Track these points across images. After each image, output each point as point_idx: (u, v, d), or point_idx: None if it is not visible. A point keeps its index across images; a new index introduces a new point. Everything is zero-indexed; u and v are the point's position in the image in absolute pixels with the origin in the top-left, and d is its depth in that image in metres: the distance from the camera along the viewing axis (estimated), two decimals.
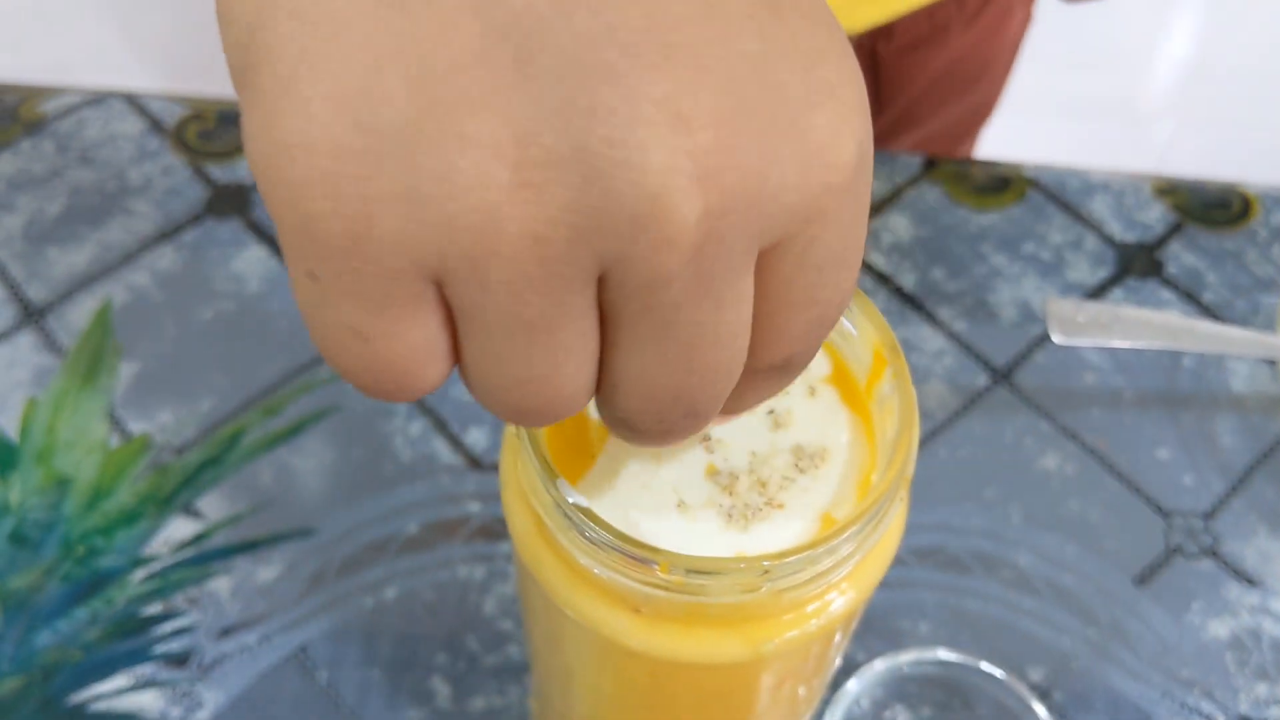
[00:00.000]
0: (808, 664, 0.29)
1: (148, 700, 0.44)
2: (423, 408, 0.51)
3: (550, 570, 0.26)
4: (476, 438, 0.50)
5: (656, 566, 0.23)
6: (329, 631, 0.46)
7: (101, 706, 0.44)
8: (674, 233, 0.17)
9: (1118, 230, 0.58)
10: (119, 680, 0.45)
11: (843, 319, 0.27)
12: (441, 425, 0.51)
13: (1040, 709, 0.42)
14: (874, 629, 0.46)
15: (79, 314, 0.54)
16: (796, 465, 0.26)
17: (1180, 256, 0.58)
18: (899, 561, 0.48)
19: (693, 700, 0.29)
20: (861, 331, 0.27)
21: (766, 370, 0.21)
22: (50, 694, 0.44)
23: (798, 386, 0.28)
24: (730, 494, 0.26)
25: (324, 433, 0.50)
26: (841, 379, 0.28)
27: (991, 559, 0.48)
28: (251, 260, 0.55)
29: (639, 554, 0.23)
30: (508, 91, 0.17)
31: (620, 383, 0.20)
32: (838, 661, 0.33)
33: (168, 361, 0.52)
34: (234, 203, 0.57)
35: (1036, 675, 0.46)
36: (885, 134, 0.68)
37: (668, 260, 0.17)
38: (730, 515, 0.26)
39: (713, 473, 0.26)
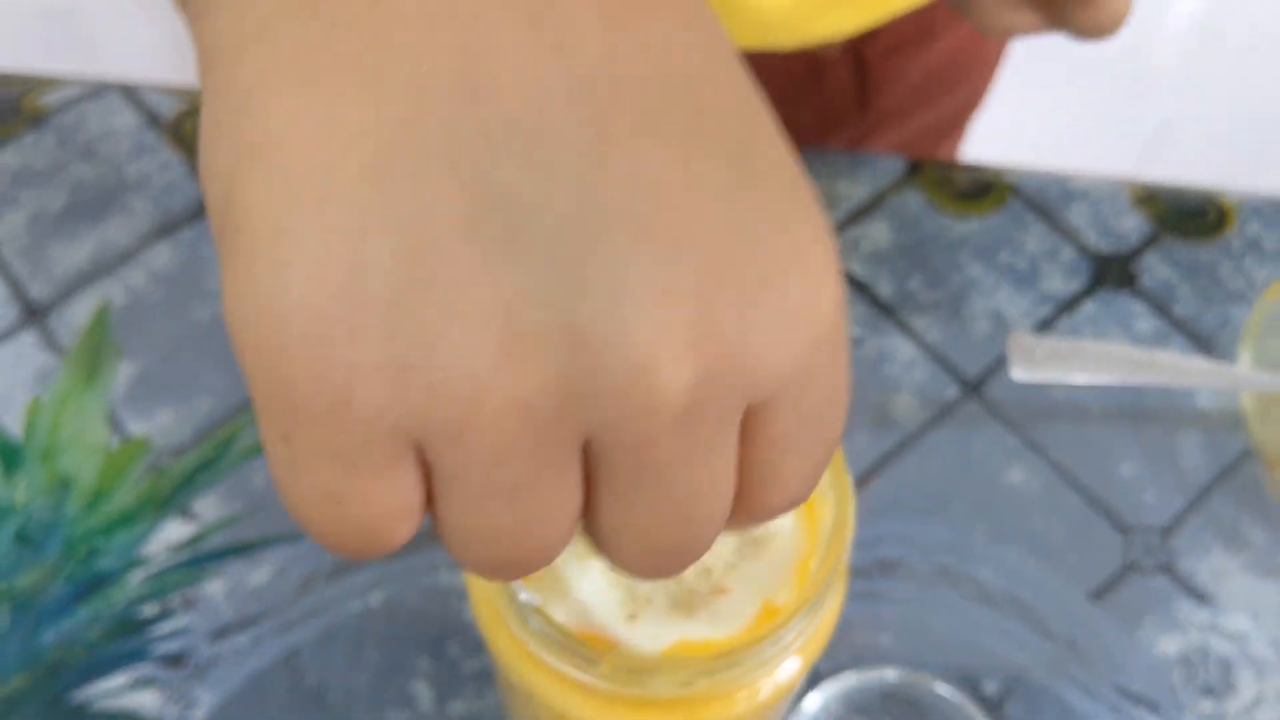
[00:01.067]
0: None
1: (146, 699, 0.47)
2: None
3: (506, 647, 0.28)
4: None
5: (600, 664, 0.25)
6: (318, 635, 0.48)
7: (103, 705, 0.47)
8: (660, 402, 0.18)
9: (1094, 240, 0.60)
10: (119, 679, 0.47)
11: None
12: None
13: None
14: (836, 641, 0.49)
15: (79, 313, 0.55)
16: (740, 551, 0.28)
17: (1154, 268, 0.59)
18: (864, 574, 0.50)
19: None
20: None
21: (760, 515, 0.21)
22: (55, 691, 0.47)
23: None
24: (677, 581, 0.28)
25: None
26: None
27: (953, 573, 0.50)
28: None
29: (584, 652, 0.25)
30: (495, 266, 0.17)
31: (610, 535, 0.20)
32: (789, 706, 0.35)
33: (166, 362, 0.54)
34: None
35: (991, 688, 0.48)
36: (869, 132, 0.69)
37: (654, 425, 0.18)
38: (676, 602, 0.27)
39: None
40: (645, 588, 0.28)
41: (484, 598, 0.28)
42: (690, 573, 0.28)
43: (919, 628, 0.49)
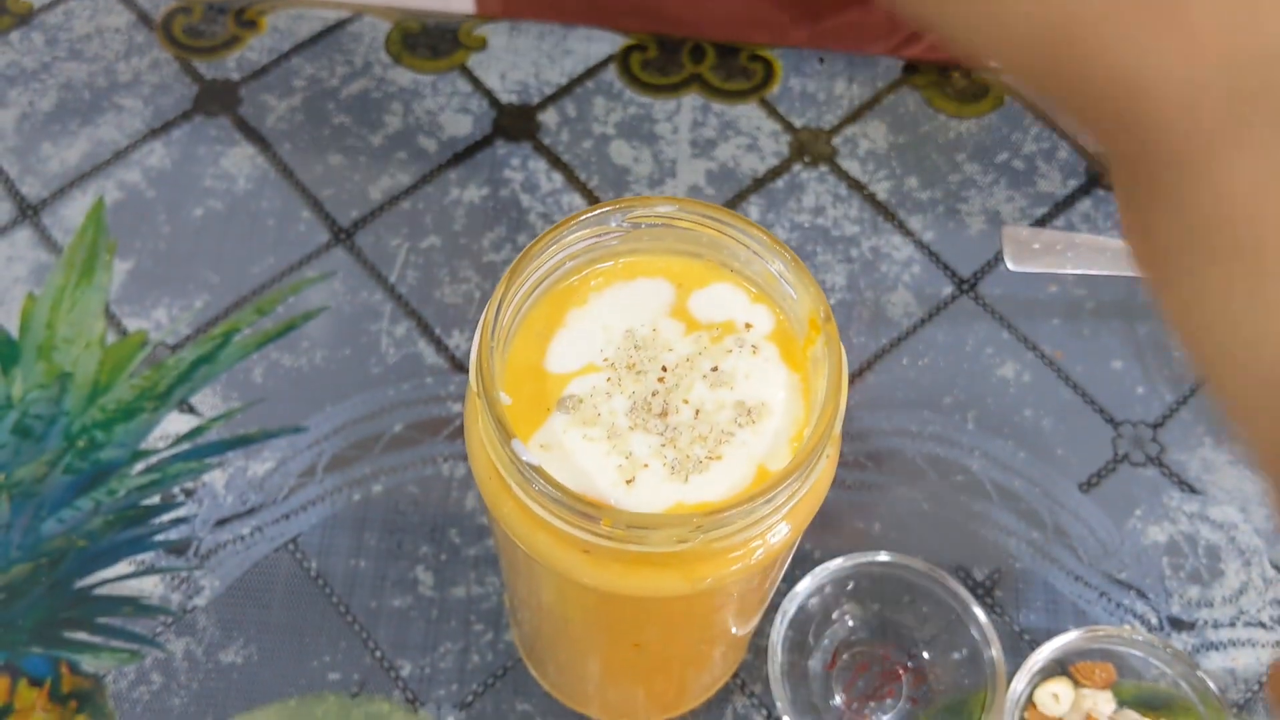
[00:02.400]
0: (747, 591, 0.32)
1: (149, 585, 0.47)
2: (407, 310, 0.53)
3: (509, 511, 0.28)
4: (459, 341, 0.52)
5: (600, 520, 0.26)
6: (319, 524, 0.49)
7: (106, 591, 0.47)
8: None
9: (1092, 139, 0.59)
10: (122, 566, 0.48)
11: (783, 283, 0.29)
12: (426, 328, 0.53)
13: (980, 612, 0.45)
14: (829, 528, 0.49)
15: (73, 210, 0.55)
16: (736, 420, 0.29)
17: None
18: (857, 465, 0.51)
19: (641, 622, 0.32)
20: (800, 297, 0.29)
21: None
22: (57, 578, 0.47)
23: (743, 345, 0.30)
24: (673, 447, 0.28)
25: (313, 332, 0.53)
26: (782, 337, 0.30)
27: (945, 463, 0.51)
28: (240, 159, 0.56)
29: (584, 509, 0.26)
30: None
31: None
32: (780, 578, 0.36)
33: (161, 259, 0.54)
34: (222, 100, 0.58)
35: (980, 574, 0.49)
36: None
37: None
38: (673, 468, 0.28)
39: (659, 428, 0.28)
40: (643, 454, 0.28)
41: (488, 467, 0.28)
42: (686, 440, 0.28)
43: (911, 517, 0.50)
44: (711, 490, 0.28)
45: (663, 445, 0.28)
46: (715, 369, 0.29)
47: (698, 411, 0.29)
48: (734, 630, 0.37)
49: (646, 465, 0.28)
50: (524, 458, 0.26)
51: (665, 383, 0.29)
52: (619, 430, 0.28)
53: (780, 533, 0.29)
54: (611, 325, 0.30)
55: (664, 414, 0.29)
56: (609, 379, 0.29)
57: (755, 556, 0.28)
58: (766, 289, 0.30)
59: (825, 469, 0.28)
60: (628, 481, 0.28)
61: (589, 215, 0.29)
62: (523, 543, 0.28)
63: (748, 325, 0.30)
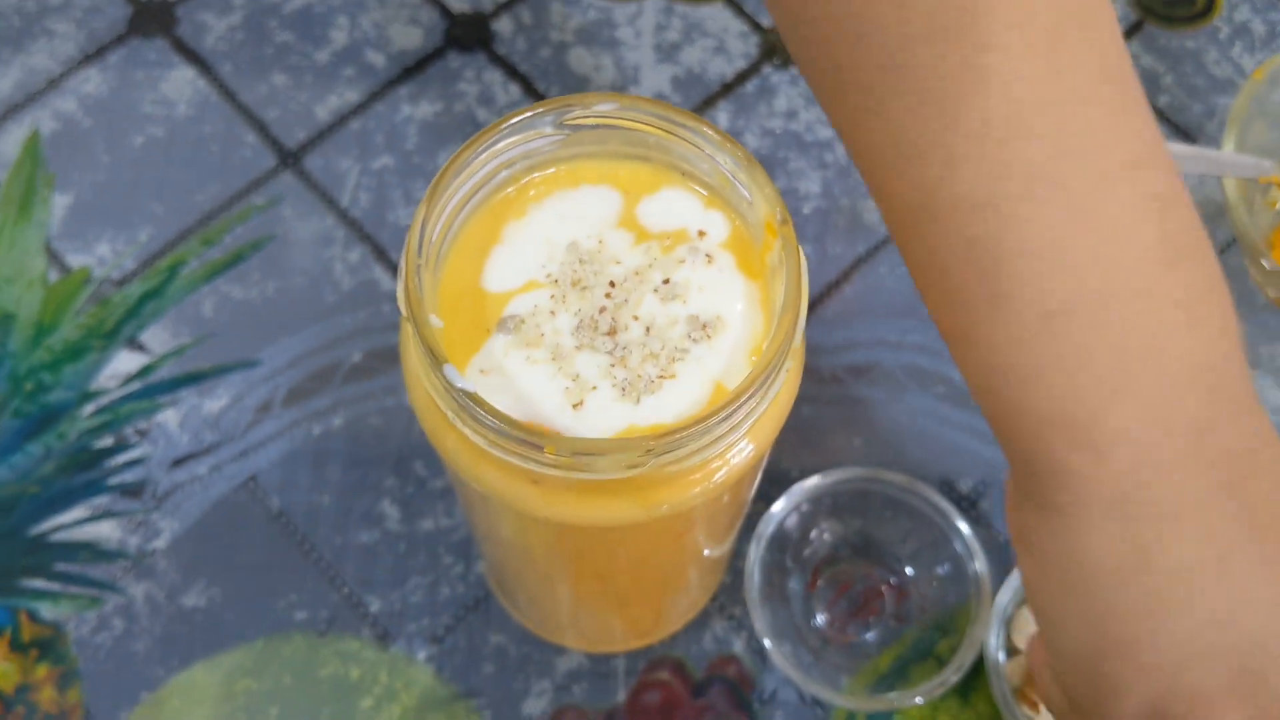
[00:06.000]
0: (713, 513, 0.30)
1: (106, 530, 0.46)
2: (361, 235, 0.51)
3: (452, 445, 0.26)
4: None
5: (544, 449, 0.24)
6: (278, 460, 0.47)
7: (62, 537, 0.46)
8: None
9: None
10: (77, 511, 0.46)
11: (738, 184, 0.27)
12: (381, 253, 0.50)
13: (963, 524, 0.44)
14: (807, 446, 0.48)
15: (7, 144, 0.52)
16: (690, 336, 0.27)
17: (1139, 58, 0.56)
18: (835, 379, 0.49)
19: (602, 551, 0.30)
20: (755, 199, 0.27)
21: None
22: (11, 526, 0.46)
23: (696, 255, 0.28)
24: (623, 367, 0.26)
25: (263, 262, 0.50)
26: (739, 244, 0.28)
27: (925, 374, 0.49)
28: (180, 82, 0.54)
29: (526, 438, 0.24)
30: None
31: None
32: (750, 498, 0.34)
33: (101, 191, 0.52)
34: (158, 20, 0.55)
35: (965, 486, 0.47)
36: None
37: None
38: (624, 389, 0.26)
39: (607, 347, 0.26)
40: (590, 376, 0.26)
41: (425, 398, 0.26)
42: (637, 359, 0.26)
43: (892, 430, 0.48)
44: (665, 411, 0.26)
45: (612, 365, 0.26)
46: (667, 281, 0.27)
47: (649, 328, 0.27)
48: (705, 553, 0.36)
49: (595, 387, 0.26)
50: (458, 384, 0.24)
51: (613, 298, 0.27)
52: (564, 351, 0.26)
53: (743, 452, 0.27)
54: (553, 238, 0.28)
55: (612, 332, 0.27)
56: (552, 296, 0.27)
57: (716, 478, 0.27)
58: (721, 193, 0.28)
59: (787, 382, 0.26)
60: (575, 405, 0.26)
61: (519, 119, 0.26)
62: (469, 476, 0.27)
63: (701, 233, 0.28)
